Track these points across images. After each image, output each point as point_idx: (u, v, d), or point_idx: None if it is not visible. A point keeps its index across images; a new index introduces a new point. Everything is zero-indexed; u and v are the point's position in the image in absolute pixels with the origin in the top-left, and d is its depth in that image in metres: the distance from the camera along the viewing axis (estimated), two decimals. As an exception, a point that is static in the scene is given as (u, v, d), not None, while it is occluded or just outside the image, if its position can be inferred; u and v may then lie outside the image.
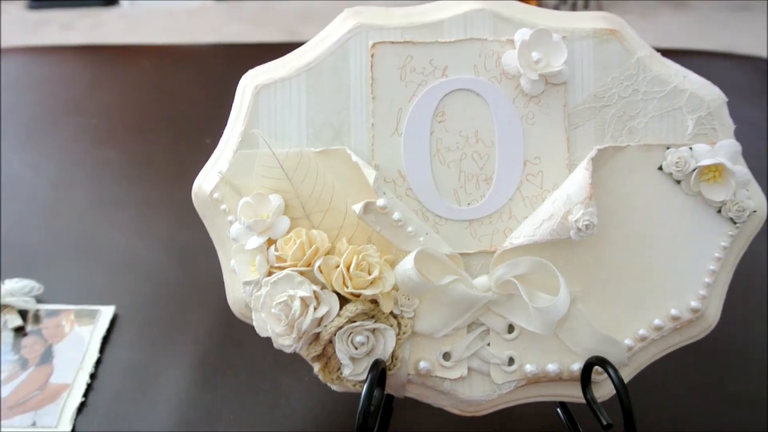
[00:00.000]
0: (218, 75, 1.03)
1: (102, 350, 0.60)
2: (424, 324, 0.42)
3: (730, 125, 0.43)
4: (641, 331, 0.43)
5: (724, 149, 0.42)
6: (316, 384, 0.45)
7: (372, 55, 0.42)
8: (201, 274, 0.67)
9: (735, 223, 0.43)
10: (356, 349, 0.41)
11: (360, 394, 0.39)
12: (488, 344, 0.43)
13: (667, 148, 0.42)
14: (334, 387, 0.43)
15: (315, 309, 0.40)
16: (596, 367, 0.42)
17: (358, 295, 0.40)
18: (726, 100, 0.43)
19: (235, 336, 0.60)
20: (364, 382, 0.39)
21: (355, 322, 0.41)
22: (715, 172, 0.42)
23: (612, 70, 0.42)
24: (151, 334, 0.62)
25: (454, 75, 0.42)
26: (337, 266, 0.40)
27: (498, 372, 0.43)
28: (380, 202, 0.40)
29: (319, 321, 0.40)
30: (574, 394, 0.44)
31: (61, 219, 0.76)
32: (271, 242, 0.41)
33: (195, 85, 1.02)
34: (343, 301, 0.41)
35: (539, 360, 0.43)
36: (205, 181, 0.43)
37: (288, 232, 0.41)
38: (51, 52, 1.21)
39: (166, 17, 3.00)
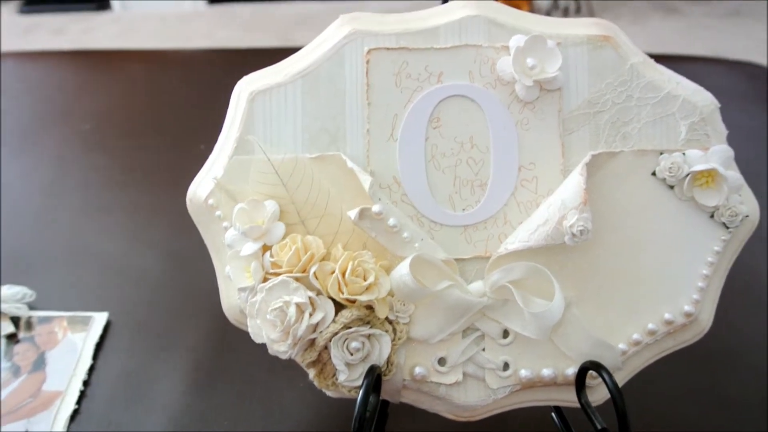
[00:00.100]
0: (211, 80, 1.03)
1: (95, 357, 0.60)
2: (420, 329, 0.42)
3: (722, 131, 0.43)
4: (635, 336, 0.43)
5: (716, 155, 0.42)
6: (311, 390, 0.45)
7: (367, 61, 0.42)
8: (195, 280, 0.67)
9: (728, 227, 0.43)
10: (352, 354, 0.41)
11: (355, 400, 0.39)
12: (483, 349, 0.43)
13: (661, 153, 0.43)
14: (329, 393, 0.43)
15: (310, 315, 0.40)
16: (591, 372, 0.42)
17: (353, 301, 0.40)
18: (719, 105, 0.43)
19: (229, 342, 0.60)
20: (359, 388, 0.39)
21: (350, 328, 0.41)
22: (708, 177, 0.42)
23: (606, 76, 0.42)
24: (144, 340, 0.62)
25: (449, 81, 0.42)
26: (333, 272, 0.40)
27: (493, 377, 0.43)
28: (376, 208, 0.40)
29: (315, 327, 0.40)
30: (568, 398, 0.44)
31: (54, 225, 0.76)
32: (266, 248, 0.41)
33: (188, 91, 1.02)
34: (339, 307, 0.41)
35: (534, 365, 0.43)
36: (200, 187, 0.43)
37: (283, 238, 0.41)
38: (42, 57, 1.21)
39: (158, 22, 2.99)
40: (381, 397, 0.42)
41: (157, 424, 0.54)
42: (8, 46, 2.51)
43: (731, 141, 0.43)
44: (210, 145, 0.44)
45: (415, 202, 0.43)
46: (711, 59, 1.10)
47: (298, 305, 0.39)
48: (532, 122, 0.43)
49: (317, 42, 0.44)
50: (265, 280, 0.41)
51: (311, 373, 0.42)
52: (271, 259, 0.41)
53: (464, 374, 0.43)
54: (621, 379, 0.43)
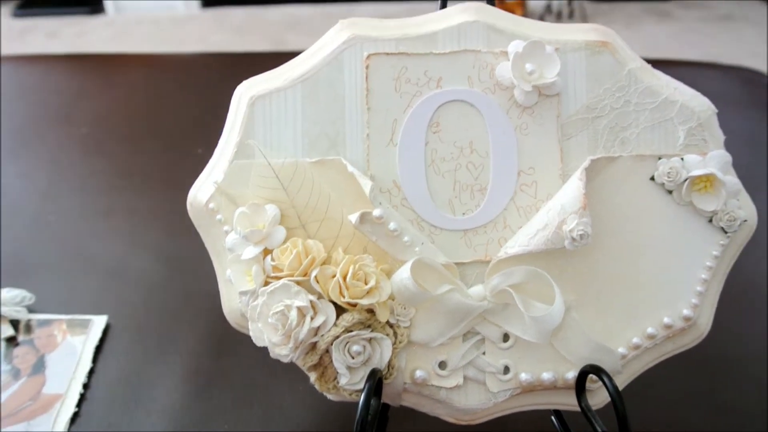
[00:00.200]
0: (207, 84, 1.03)
1: (95, 360, 0.60)
2: (420, 333, 0.42)
3: (720, 136, 0.43)
4: (635, 340, 0.43)
5: (714, 160, 0.42)
6: (312, 393, 0.45)
7: (367, 67, 0.42)
8: (194, 284, 0.67)
9: (726, 232, 0.43)
10: (353, 358, 0.41)
11: (356, 403, 0.39)
12: (483, 353, 0.43)
13: (659, 158, 0.43)
14: (330, 396, 0.43)
15: (312, 319, 0.40)
16: (591, 376, 0.42)
17: (354, 305, 0.41)
18: (716, 111, 0.43)
19: (228, 345, 0.60)
20: (360, 391, 0.39)
21: (351, 331, 0.41)
22: (706, 182, 0.42)
23: (604, 82, 0.43)
24: (144, 343, 0.62)
25: (448, 86, 0.43)
26: (334, 276, 0.41)
27: (493, 380, 0.43)
28: (376, 212, 0.41)
29: (316, 331, 0.40)
30: (568, 402, 0.44)
31: (52, 228, 0.76)
32: (267, 252, 0.41)
33: (185, 95, 1.02)
34: (340, 310, 0.41)
35: (534, 368, 0.43)
36: (201, 191, 0.43)
37: (284, 242, 0.41)
38: (38, 61, 1.20)
39: (151, 25, 2.99)
40: (382, 401, 0.43)
41: (156, 427, 0.54)
42: (3, 49, 2.50)
43: (728, 146, 0.43)
44: (207, 149, 0.44)
45: (415, 206, 0.43)
46: (705, 64, 1.10)
47: (299, 309, 0.40)
48: (531, 127, 0.43)
49: (316, 47, 0.44)
50: (266, 283, 0.41)
51: (312, 377, 0.42)
52: (272, 263, 0.41)
53: (465, 378, 0.43)
54: (621, 382, 0.43)
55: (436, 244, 0.43)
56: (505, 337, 0.43)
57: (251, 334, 0.41)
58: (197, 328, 0.62)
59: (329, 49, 0.43)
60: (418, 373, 0.43)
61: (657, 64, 0.45)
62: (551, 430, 0.48)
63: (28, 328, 0.63)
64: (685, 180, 0.42)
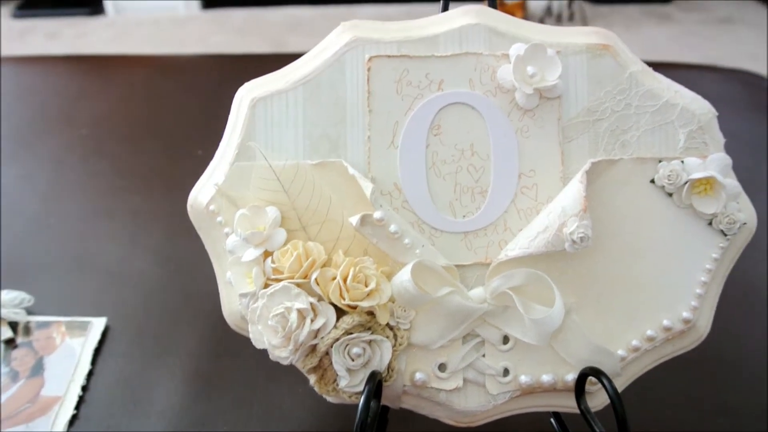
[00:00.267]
0: (208, 86, 1.03)
1: (94, 362, 0.60)
2: (420, 335, 0.42)
3: (720, 139, 0.44)
4: (634, 342, 0.43)
5: (714, 163, 0.42)
6: (311, 396, 0.45)
7: (368, 69, 0.42)
8: (193, 286, 0.67)
9: (725, 235, 0.43)
10: (353, 360, 0.41)
11: (355, 405, 0.39)
12: (483, 355, 0.43)
13: (660, 161, 0.43)
14: (330, 399, 0.43)
15: (312, 321, 0.40)
16: (590, 378, 0.42)
17: (354, 307, 0.41)
18: (716, 114, 0.43)
19: (228, 347, 0.60)
20: (360, 393, 0.39)
21: (351, 333, 0.41)
22: (707, 185, 0.42)
23: (605, 85, 0.43)
24: (143, 345, 0.62)
25: (449, 89, 0.43)
26: (334, 278, 0.41)
27: (493, 383, 0.43)
28: (377, 214, 0.41)
29: (316, 333, 0.40)
30: (568, 404, 0.44)
31: (52, 230, 0.76)
32: (267, 254, 0.41)
33: (185, 96, 1.02)
34: (340, 312, 0.41)
35: (534, 371, 0.43)
36: (201, 193, 0.43)
37: (284, 244, 0.41)
38: (38, 62, 1.21)
39: (152, 27, 2.99)
40: (381, 403, 0.43)
41: (156, 429, 0.54)
42: (3, 50, 2.51)
43: (728, 149, 0.44)
44: (207, 151, 0.44)
45: (416, 208, 0.43)
46: (705, 67, 1.10)
47: (299, 311, 0.40)
48: (532, 130, 0.43)
49: (318, 49, 0.44)
50: (266, 286, 0.41)
51: (312, 379, 0.42)
52: (273, 265, 0.41)
53: (464, 380, 0.43)
54: (620, 385, 0.44)
55: (437, 246, 0.43)
56: (505, 340, 0.43)
57: (251, 336, 0.41)
58: (197, 330, 0.62)
59: (331, 52, 0.43)
60: (418, 376, 0.43)
61: (657, 66, 0.45)
62: (551, 432, 0.48)
63: (27, 330, 0.63)
64: (686, 183, 0.42)
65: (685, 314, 0.43)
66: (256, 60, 1.18)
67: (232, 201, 0.42)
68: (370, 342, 0.41)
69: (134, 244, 0.74)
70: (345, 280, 0.40)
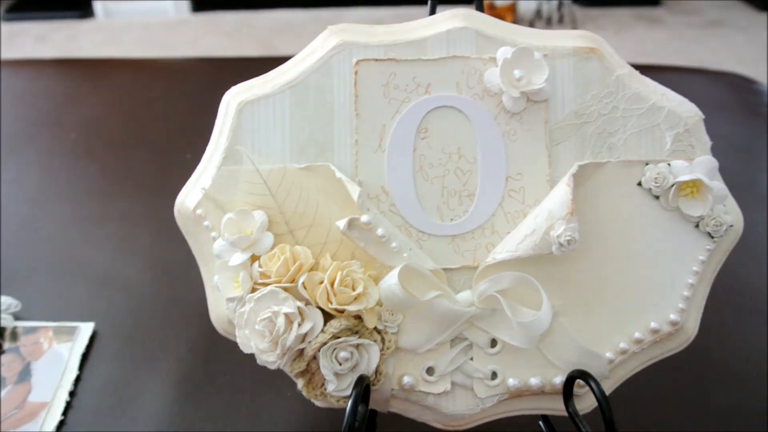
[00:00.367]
0: (197, 89, 1.03)
1: (81, 368, 0.60)
2: (408, 339, 0.42)
3: (706, 142, 0.44)
4: (622, 344, 0.43)
5: (701, 165, 0.43)
6: (299, 400, 0.45)
7: (356, 73, 0.42)
8: (181, 290, 0.67)
9: (712, 237, 0.43)
10: (340, 364, 0.41)
11: (344, 409, 0.39)
12: (471, 359, 0.43)
13: (646, 164, 0.43)
14: (317, 403, 0.43)
15: (299, 325, 0.40)
16: (578, 381, 0.42)
17: (342, 311, 0.41)
18: (703, 117, 0.43)
19: (216, 352, 0.60)
20: (348, 398, 0.39)
21: (339, 337, 0.41)
22: (693, 187, 0.43)
23: (592, 88, 0.43)
24: (131, 350, 0.61)
25: (436, 92, 0.43)
26: (321, 282, 0.40)
27: (481, 386, 0.43)
28: (364, 218, 0.40)
29: (303, 337, 0.40)
30: (556, 407, 0.44)
31: (39, 234, 0.76)
32: (254, 258, 0.41)
33: (174, 100, 1.02)
34: (327, 316, 0.41)
35: (522, 374, 0.43)
36: (188, 198, 0.43)
37: (272, 248, 0.41)
38: (28, 66, 1.20)
39: (141, 30, 2.99)
40: (369, 407, 0.43)
41: (144, 435, 0.54)
42: (-9, 53, 2.49)
43: (715, 152, 0.44)
44: (196, 155, 0.44)
45: (404, 212, 0.43)
46: (694, 70, 1.11)
47: (286, 315, 0.39)
48: (519, 133, 0.43)
49: (305, 53, 0.44)
50: (253, 290, 0.41)
51: (300, 383, 0.42)
52: (260, 270, 0.41)
53: (452, 383, 0.43)
54: (608, 387, 0.44)
55: (424, 249, 0.43)
56: (493, 343, 0.43)
57: (238, 340, 0.41)
58: (185, 334, 0.62)
59: (318, 55, 0.43)
60: (406, 379, 0.43)
61: (646, 69, 0.45)
62: (539, 435, 0.48)
63: (14, 336, 0.63)
64: (672, 185, 0.42)
65: (673, 316, 0.43)
66: (246, 63, 1.17)
67: (219, 205, 0.42)
68: (357, 346, 0.41)
69: (122, 248, 0.73)
70: (332, 284, 0.40)
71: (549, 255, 0.41)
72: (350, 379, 0.41)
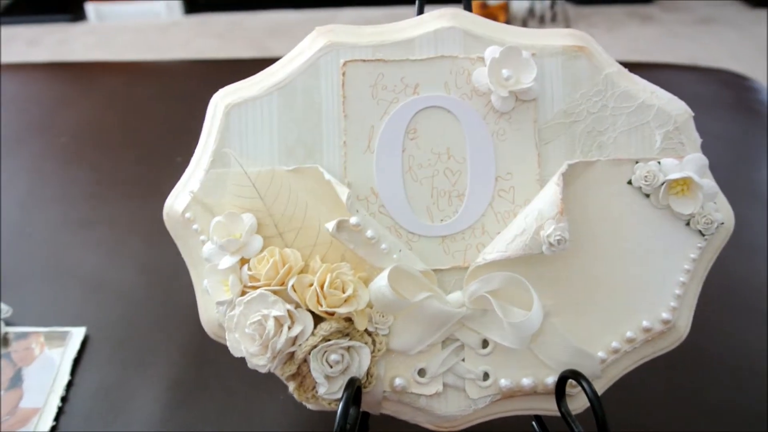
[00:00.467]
0: (188, 92, 1.02)
1: (73, 373, 0.59)
2: (399, 341, 0.42)
3: (696, 139, 0.44)
4: (614, 344, 0.43)
5: (691, 163, 0.42)
6: (291, 403, 0.45)
7: (343, 74, 0.42)
8: (173, 294, 0.66)
9: (703, 235, 0.43)
10: (331, 367, 0.40)
11: (335, 412, 0.38)
12: (463, 360, 0.43)
13: (636, 162, 0.43)
14: (309, 406, 0.43)
15: (289, 328, 0.40)
16: (570, 381, 0.42)
17: (332, 314, 0.40)
18: (692, 114, 0.43)
19: (208, 356, 0.60)
20: (339, 400, 0.39)
21: (329, 340, 0.40)
22: (683, 185, 0.42)
23: (581, 87, 0.43)
24: (123, 355, 0.61)
25: (425, 92, 0.42)
26: (311, 285, 0.40)
27: (473, 387, 0.43)
28: (353, 219, 0.40)
29: (294, 340, 0.40)
30: (548, 407, 0.44)
31: (30, 239, 0.75)
32: (244, 261, 0.41)
33: (165, 102, 1.01)
34: (318, 319, 0.41)
35: (514, 374, 0.43)
36: (177, 201, 0.43)
37: (261, 251, 0.41)
38: (18, 70, 1.19)
39: (134, 32, 2.98)
40: (361, 409, 0.42)
41: (136, 440, 0.54)
42: (-17, 58, 2.49)
43: (705, 149, 0.44)
44: (187, 158, 0.44)
45: (393, 213, 0.43)
46: (685, 67, 1.11)
47: (276, 318, 0.39)
48: (508, 133, 0.43)
49: (293, 54, 0.44)
50: (243, 293, 0.41)
51: (291, 386, 0.42)
52: (249, 273, 0.41)
53: (444, 385, 0.43)
54: (600, 387, 0.44)
55: (414, 251, 0.43)
56: (484, 344, 0.43)
57: (228, 344, 0.41)
58: (177, 338, 0.62)
59: (305, 57, 0.43)
60: (398, 381, 0.42)
61: (638, 67, 0.45)
62: (533, 435, 0.48)
63: (5, 342, 0.62)
64: (662, 183, 0.42)
65: (665, 315, 0.43)
66: (238, 65, 1.17)
67: (207, 208, 0.42)
68: (348, 348, 0.41)
69: (113, 252, 0.73)
70: (322, 287, 0.40)
71: (539, 255, 0.40)
72: (341, 382, 0.41)
